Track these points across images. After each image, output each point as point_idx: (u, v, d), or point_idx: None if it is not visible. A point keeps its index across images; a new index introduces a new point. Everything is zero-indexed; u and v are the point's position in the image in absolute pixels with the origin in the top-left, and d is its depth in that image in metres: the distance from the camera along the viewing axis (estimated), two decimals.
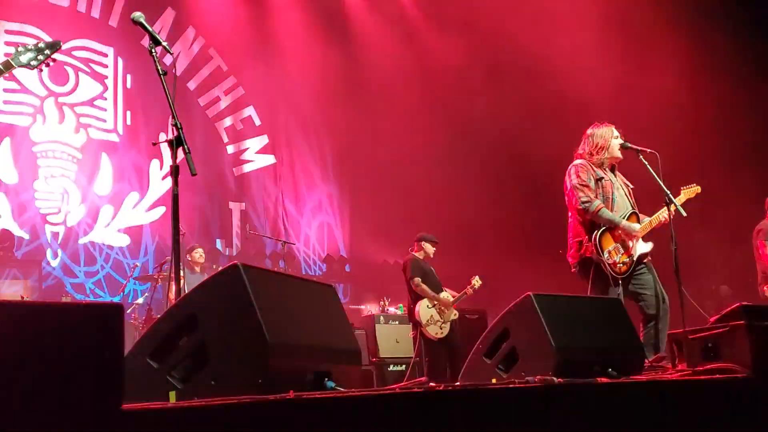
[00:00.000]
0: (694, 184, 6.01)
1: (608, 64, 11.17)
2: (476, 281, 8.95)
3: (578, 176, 5.70)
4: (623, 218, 5.65)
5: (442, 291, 8.82)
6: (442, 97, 13.34)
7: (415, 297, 8.73)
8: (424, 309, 8.62)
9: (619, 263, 5.55)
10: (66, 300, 9.03)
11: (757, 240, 8.08)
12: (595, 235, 5.52)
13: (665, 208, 5.73)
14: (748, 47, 10.78)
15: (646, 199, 6.08)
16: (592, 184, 5.67)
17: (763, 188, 8.86)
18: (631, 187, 6.02)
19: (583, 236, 5.64)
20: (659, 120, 10.03)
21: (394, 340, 9.59)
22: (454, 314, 8.76)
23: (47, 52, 4.44)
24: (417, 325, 8.67)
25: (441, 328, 8.59)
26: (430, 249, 9.00)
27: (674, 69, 10.82)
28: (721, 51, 10.77)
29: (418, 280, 8.68)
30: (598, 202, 5.57)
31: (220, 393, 2.53)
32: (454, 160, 13.02)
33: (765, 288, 7.97)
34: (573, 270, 5.78)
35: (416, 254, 9.00)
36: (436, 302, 8.67)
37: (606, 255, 5.50)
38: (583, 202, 5.58)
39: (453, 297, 8.86)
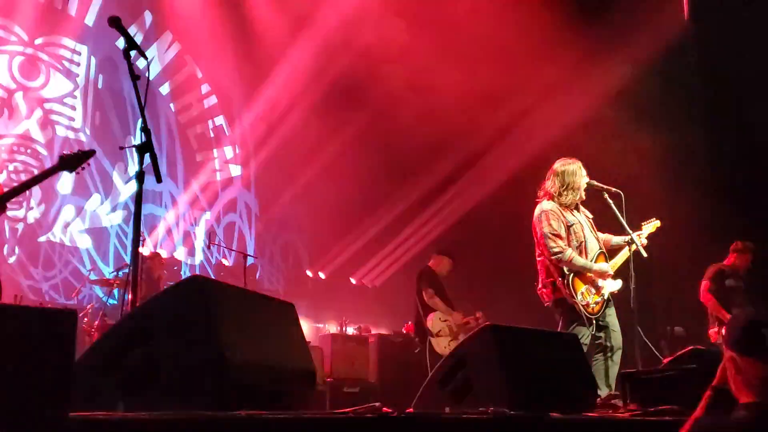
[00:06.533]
0: (654, 218, 6.04)
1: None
2: (480, 318, 8.27)
3: (549, 224, 5.60)
4: (593, 260, 5.66)
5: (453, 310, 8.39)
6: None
7: (425, 309, 8.29)
8: (437, 320, 8.21)
9: (591, 304, 5.56)
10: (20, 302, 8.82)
11: None
12: (568, 278, 5.51)
13: (628, 247, 5.80)
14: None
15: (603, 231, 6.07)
16: (562, 231, 5.60)
17: (721, 227, 8.95)
18: (592, 217, 5.97)
19: (555, 277, 5.60)
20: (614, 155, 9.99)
21: (350, 361, 9.43)
22: (462, 335, 8.04)
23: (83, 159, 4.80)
24: (425, 337, 8.24)
25: (449, 345, 8.03)
26: (446, 265, 8.55)
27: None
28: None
29: (431, 291, 8.23)
30: (569, 252, 5.53)
31: (170, 407, 2.49)
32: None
33: None
34: (546, 304, 5.75)
35: (432, 267, 8.55)
36: (448, 318, 8.23)
37: (579, 297, 5.51)
38: (555, 253, 5.53)
39: (463, 320, 8.33)
